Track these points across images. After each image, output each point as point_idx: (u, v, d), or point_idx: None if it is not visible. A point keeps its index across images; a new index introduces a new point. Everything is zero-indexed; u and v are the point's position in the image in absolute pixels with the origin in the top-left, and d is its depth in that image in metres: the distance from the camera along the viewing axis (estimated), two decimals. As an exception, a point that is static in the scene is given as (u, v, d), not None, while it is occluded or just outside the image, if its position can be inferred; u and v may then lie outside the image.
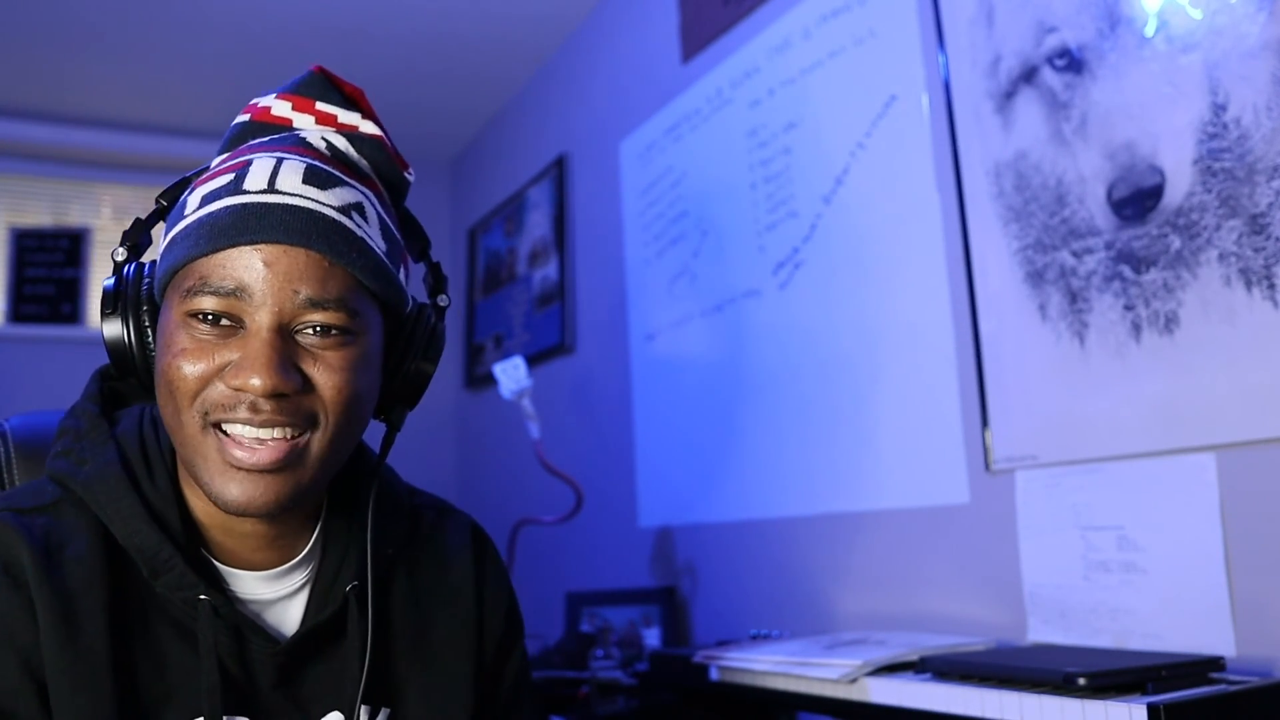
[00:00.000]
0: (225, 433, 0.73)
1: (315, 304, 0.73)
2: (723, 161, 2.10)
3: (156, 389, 0.76)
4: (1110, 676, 1.01)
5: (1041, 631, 1.38)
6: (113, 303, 0.80)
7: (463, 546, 0.95)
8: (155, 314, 0.79)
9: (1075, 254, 1.36)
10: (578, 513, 2.20)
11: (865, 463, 1.70)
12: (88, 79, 2.99)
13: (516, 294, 3.08)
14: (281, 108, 0.82)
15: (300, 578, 0.84)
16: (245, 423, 0.72)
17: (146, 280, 0.80)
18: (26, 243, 3.20)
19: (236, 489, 0.73)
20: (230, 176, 0.75)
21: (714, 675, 1.47)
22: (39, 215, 3.31)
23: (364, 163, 0.82)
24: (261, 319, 0.72)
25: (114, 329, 0.79)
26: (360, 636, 0.82)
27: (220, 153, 0.82)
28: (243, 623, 0.79)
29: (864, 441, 1.71)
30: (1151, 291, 1.26)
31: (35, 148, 3.21)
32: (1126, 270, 1.29)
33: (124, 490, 0.77)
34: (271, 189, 0.73)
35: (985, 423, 1.48)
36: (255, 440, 0.73)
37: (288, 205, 0.73)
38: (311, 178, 0.75)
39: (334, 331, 0.74)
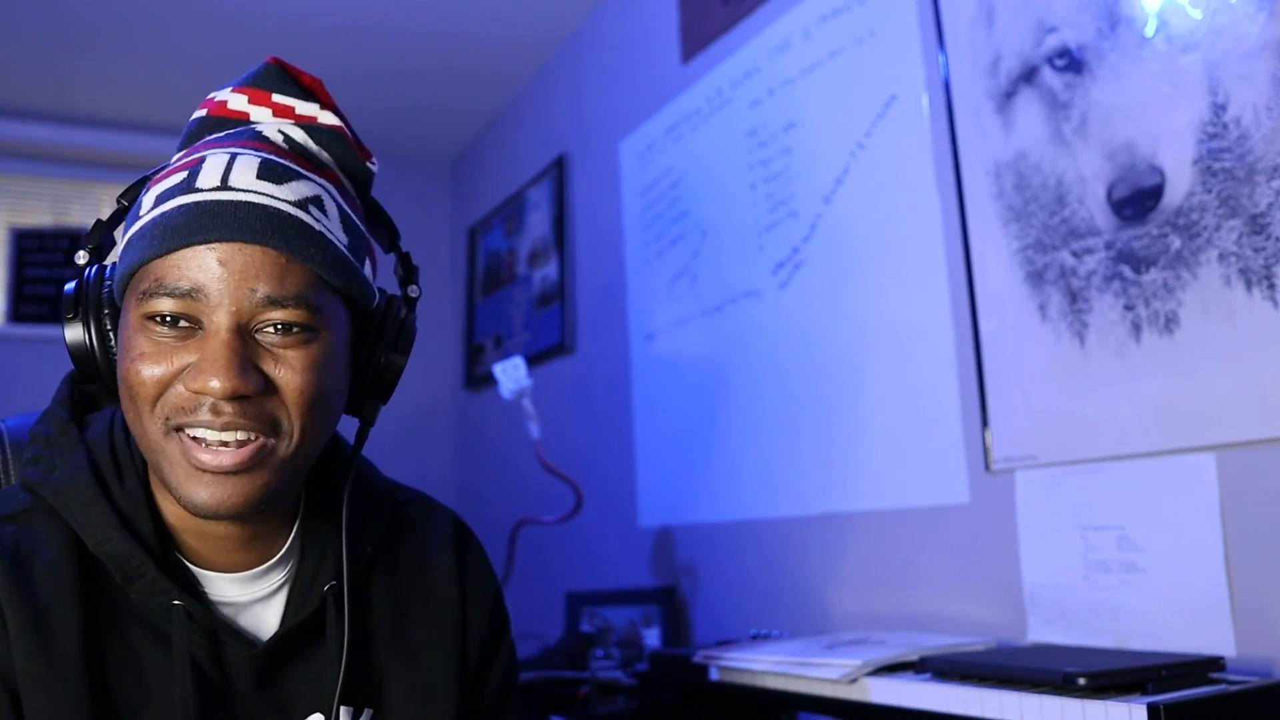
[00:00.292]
0: (189, 435, 0.71)
1: (274, 302, 0.71)
2: (723, 161, 2.10)
3: (120, 393, 0.74)
4: (1110, 676, 1.01)
5: (1041, 631, 1.38)
6: (73, 307, 0.78)
7: (445, 543, 0.93)
8: (117, 317, 0.77)
9: (1075, 254, 1.36)
10: (578, 513, 2.19)
11: (864, 463, 1.70)
12: (88, 79, 2.99)
13: (516, 294, 3.08)
14: (238, 101, 0.81)
15: (278, 578, 0.83)
16: (207, 426, 0.71)
17: (108, 283, 0.78)
18: (26, 243, 3.20)
19: (204, 492, 0.71)
20: (183, 175, 0.74)
21: (714, 675, 1.47)
22: (39, 215, 3.31)
23: (324, 154, 0.80)
24: (219, 320, 0.70)
25: (75, 333, 0.78)
26: (338, 637, 0.80)
27: (179, 149, 0.81)
28: (218, 626, 0.78)
29: (863, 441, 1.71)
30: (1151, 291, 1.26)
31: (35, 148, 3.21)
32: (1126, 270, 1.29)
33: (94, 496, 0.76)
34: (225, 186, 0.72)
35: (985, 423, 1.48)
36: (220, 443, 0.71)
37: (241, 202, 0.71)
38: (266, 173, 0.73)
39: (295, 329, 0.73)
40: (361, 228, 0.81)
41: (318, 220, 0.74)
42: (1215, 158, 1.19)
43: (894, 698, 1.19)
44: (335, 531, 0.84)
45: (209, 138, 0.79)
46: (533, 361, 2.71)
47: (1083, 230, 1.35)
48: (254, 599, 0.82)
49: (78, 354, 0.78)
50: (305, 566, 0.84)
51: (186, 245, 0.70)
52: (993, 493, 1.47)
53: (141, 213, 0.74)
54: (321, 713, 0.81)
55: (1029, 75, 1.43)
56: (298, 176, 0.75)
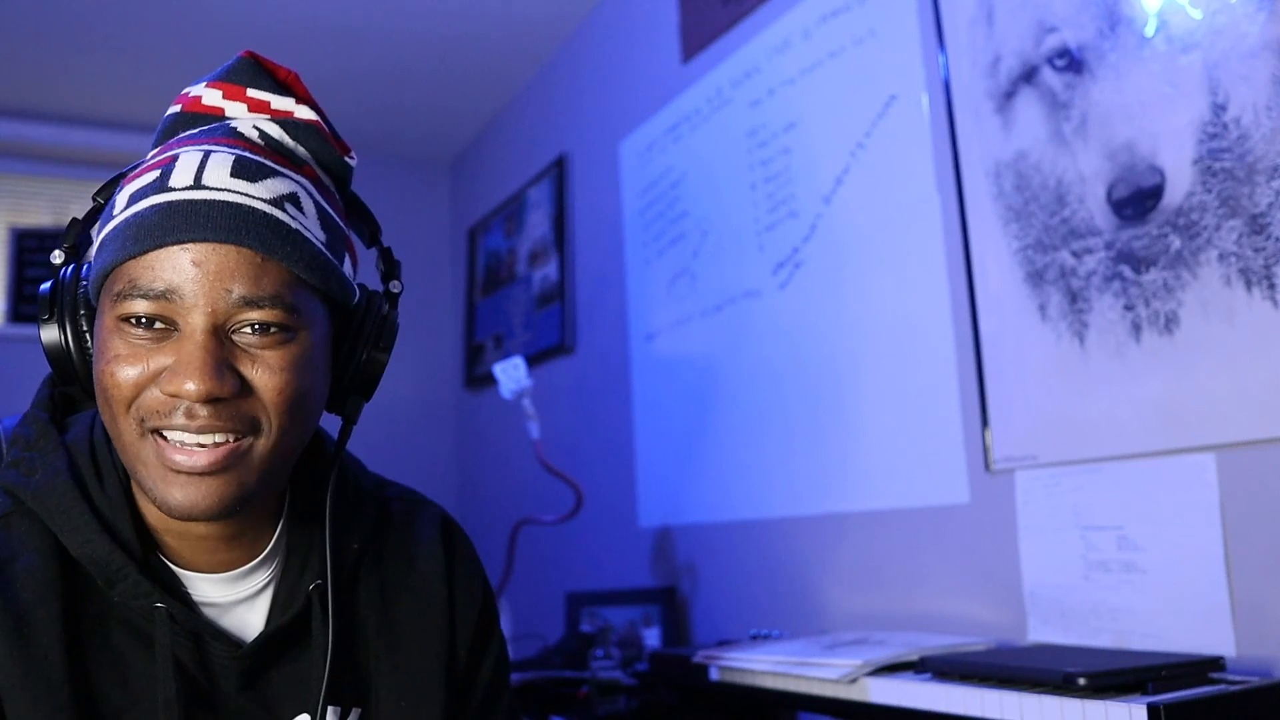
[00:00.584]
0: (164, 437, 0.70)
1: (250, 302, 0.70)
2: (723, 161, 2.10)
3: (96, 395, 0.73)
4: (1110, 676, 1.01)
5: (1041, 631, 1.38)
6: (49, 308, 0.77)
7: (432, 540, 0.92)
8: (93, 317, 0.76)
9: (1075, 254, 1.36)
10: (578, 513, 2.19)
11: (864, 463, 1.70)
12: (88, 79, 2.99)
13: (516, 294, 3.08)
14: (212, 96, 0.79)
15: (262, 578, 0.82)
16: (182, 429, 0.70)
17: (84, 283, 0.77)
18: (26, 243, 3.20)
19: (179, 493, 0.70)
20: (156, 173, 0.72)
21: (714, 675, 1.47)
22: (39, 215, 3.31)
23: (300, 150, 0.78)
24: (194, 321, 0.69)
25: (51, 334, 0.76)
26: (323, 637, 0.80)
27: (154, 146, 0.79)
28: (202, 628, 0.77)
29: (863, 441, 1.71)
30: (1151, 291, 1.26)
31: (35, 148, 3.21)
32: (1126, 270, 1.29)
33: (74, 499, 0.75)
34: (198, 184, 0.70)
35: (985, 423, 1.48)
36: (196, 444, 0.70)
37: (215, 201, 0.70)
38: (241, 170, 0.72)
39: (272, 329, 0.71)
40: (340, 224, 0.80)
41: (294, 218, 0.73)
42: (1215, 158, 1.19)
43: (894, 698, 1.20)
44: (320, 530, 0.83)
45: (183, 134, 0.77)
46: (533, 361, 2.71)
47: (1083, 230, 1.35)
48: (238, 599, 0.81)
49: (54, 355, 0.77)
50: (290, 566, 0.83)
51: (160, 246, 0.69)
52: (993, 493, 1.47)
53: (115, 212, 0.73)
54: (308, 713, 0.80)
55: (1029, 75, 1.43)
56: (273, 173, 0.74)
